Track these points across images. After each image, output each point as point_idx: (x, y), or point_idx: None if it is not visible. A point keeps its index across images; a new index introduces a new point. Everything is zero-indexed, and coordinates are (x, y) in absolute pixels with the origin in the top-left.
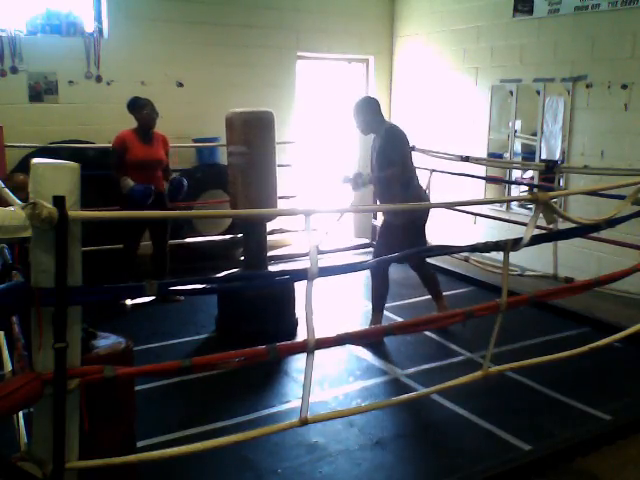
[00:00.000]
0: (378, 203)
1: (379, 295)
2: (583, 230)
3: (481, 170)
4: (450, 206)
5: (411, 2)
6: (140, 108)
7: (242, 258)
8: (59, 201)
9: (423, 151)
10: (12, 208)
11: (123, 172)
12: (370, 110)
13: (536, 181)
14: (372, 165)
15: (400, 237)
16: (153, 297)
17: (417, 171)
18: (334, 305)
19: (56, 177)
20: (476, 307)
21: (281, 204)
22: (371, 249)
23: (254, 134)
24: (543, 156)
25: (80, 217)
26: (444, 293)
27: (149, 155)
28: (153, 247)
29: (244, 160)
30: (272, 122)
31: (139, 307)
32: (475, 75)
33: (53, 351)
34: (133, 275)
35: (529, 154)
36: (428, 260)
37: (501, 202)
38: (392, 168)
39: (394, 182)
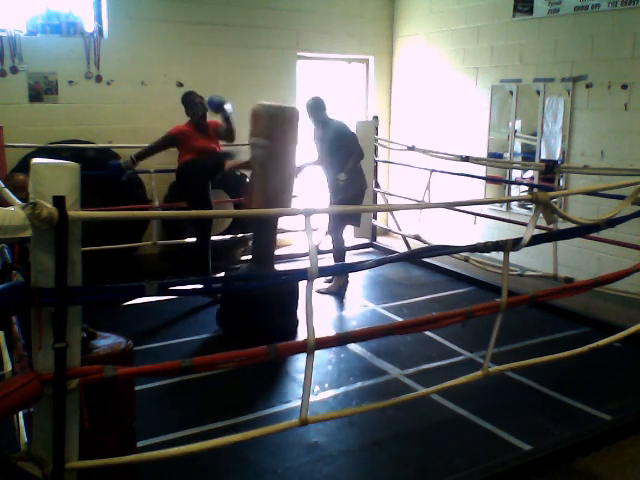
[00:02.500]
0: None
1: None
2: (583, 230)
3: (481, 170)
4: (450, 206)
5: (411, 2)
6: (190, 105)
7: (250, 256)
8: (59, 201)
9: (423, 151)
10: (12, 208)
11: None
12: (323, 107)
13: (536, 181)
14: (319, 152)
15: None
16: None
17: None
18: (334, 305)
19: (56, 177)
20: (476, 307)
21: None
22: (371, 249)
23: (277, 129)
24: (543, 156)
25: (80, 217)
26: (444, 293)
27: (209, 145)
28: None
29: (264, 153)
30: (296, 119)
31: (139, 307)
32: (475, 75)
33: (53, 351)
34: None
35: (529, 154)
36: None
37: (501, 202)
38: (349, 156)
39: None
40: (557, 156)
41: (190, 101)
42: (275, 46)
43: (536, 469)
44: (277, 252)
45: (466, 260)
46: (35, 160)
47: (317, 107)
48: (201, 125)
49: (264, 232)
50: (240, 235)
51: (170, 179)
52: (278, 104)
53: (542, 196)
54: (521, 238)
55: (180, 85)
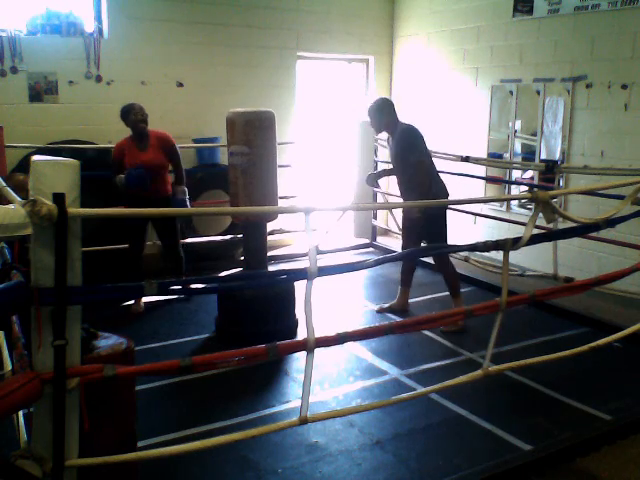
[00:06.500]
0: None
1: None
2: (583, 230)
3: (481, 170)
4: (450, 205)
5: (411, 2)
6: (126, 114)
7: (242, 258)
8: (59, 198)
9: None
10: (12, 206)
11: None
12: (385, 111)
13: (536, 181)
14: (393, 165)
15: (422, 227)
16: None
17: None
18: (334, 305)
19: (56, 174)
20: (476, 306)
21: (281, 204)
22: (371, 249)
23: (255, 134)
24: (543, 156)
25: (80, 214)
26: (444, 293)
27: (143, 161)
28: (163, 248)
29: (245, 160)
30: (273, 122)
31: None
32: (475, 75)
33: (52, 350)
34: (143, 275)
35: (529, 154)
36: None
37: (501, 201)
38: (412, 169)
39: (418, 181)
40: (557, 156)
41: (127, 117)
42: (275, 46)
43: (536, 469)
44: (277, 252)
45: (466, 260)
46: (35, 157)
47: (379, 111)
48: (139, 138)
49: (255, 237)
50: (240, 235)
51: None
52: (252, 109)
53: (542, 195)
54: (521, 237)
55: (180, 85)
